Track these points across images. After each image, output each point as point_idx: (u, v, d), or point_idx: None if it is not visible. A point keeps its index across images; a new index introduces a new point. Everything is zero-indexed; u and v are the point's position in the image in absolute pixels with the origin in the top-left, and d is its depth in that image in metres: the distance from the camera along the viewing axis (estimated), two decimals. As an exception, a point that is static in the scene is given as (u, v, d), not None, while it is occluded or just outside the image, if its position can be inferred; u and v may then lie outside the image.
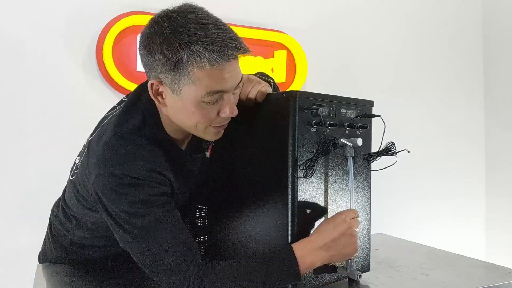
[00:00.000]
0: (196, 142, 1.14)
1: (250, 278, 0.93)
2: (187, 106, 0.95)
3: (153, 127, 1.03)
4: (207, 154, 1.17)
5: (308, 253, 0.95)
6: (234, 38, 0.94)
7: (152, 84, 0.97)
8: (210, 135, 1.03)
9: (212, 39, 0.90)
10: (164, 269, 0.93)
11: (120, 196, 0.94)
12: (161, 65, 0.93)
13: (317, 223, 1.01)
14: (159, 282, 0.96)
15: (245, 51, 0.95)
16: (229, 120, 1.02)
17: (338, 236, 0.96)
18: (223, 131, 1.04)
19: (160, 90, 0.97)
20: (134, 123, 1.02)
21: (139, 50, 0.99)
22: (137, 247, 0.95)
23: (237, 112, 0.99)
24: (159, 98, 0.99)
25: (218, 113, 0.98)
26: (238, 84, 1.00)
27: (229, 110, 0.97)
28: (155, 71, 0.95)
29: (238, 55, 0.95)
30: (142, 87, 1.08)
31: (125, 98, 1.18)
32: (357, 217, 1.02)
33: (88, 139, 1.10)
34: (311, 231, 1.00)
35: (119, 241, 0.99)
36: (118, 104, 1.17)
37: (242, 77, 1.00)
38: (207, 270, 0.93)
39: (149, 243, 0.93)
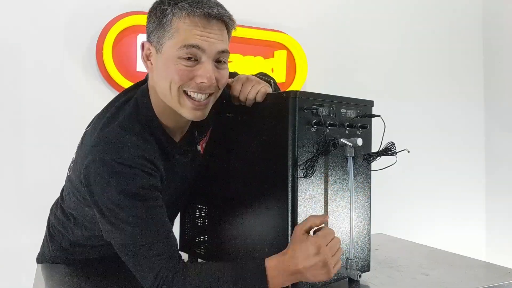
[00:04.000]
0: (190, 136, 1.15)
1: None
2: (166, 64, 0.99)
3: (145, 112, 1.05)
4: (199, 147, 1.16)
5: (280, 274, 0.94)
6: (219, 5, 1.01)
7: (142, 45, 1.04)
8: (187, 109, 1.01)
9: (198, 0, 0.98)
10: (141, 263, 0.95)
11: (108, 184, 0.95)
12: (152, 25, 1.01)
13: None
14: (135, 274, 0.98)
15: (222, 14, 0.99)
16: (206, 91, 1.01)
17: (309, 267, 0.93)
18: (203, 111, 1.03)
19: (149, 53, 1.03)
20: (129, 110, 1.05)
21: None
22: (118, 239, 0.97)
23: (213, 80, 0.99)
24: (148, 63, 1.04)
25: (193, 78, 0.99)
26: (222, 55, 1.01)
27: (204, 75, 0.98)
28: (149, 33, 1.03)
29: (222, 24, 1.00)
30: (137, 84, 1.14)
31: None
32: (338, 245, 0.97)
33: (84, 131, 1.12)
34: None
35: (102, 232, 1.00)
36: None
37: (226, 50, 1.02)
38: (179, 273, 0.94)
39: (130, 236, 0.95)
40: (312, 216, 0.98)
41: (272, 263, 0.94)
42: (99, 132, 1.02)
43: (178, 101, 1.01)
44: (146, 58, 1.04)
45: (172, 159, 1.09)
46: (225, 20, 1.00)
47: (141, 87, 1.11)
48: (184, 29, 0.96)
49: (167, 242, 0.97)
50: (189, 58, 0.98)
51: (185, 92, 1.01)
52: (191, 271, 0.95)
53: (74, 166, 1.09)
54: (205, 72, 0.98)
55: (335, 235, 0.97)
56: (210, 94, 1.03)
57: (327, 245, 0.94)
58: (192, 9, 0.96)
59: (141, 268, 0.96)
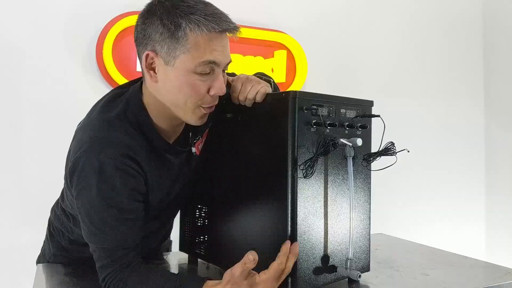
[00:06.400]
0: (184, 137, 1.15)
1: None
2: (180, 78, 0.98)
3: (135, 111, 1.06)
4: (194, 149, 1.17)
5: None
6: (226, 15, 1.01)
7: (147, 56, 1.00)
8: (197, 117, 1.04)
9: (209, 12, 0.97)
10: (98, 260, 1.03)
11: (89, 183, 0.97)
12: (159, 34, 0.97)
13: (316, 224, 1.02)
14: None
15: (236, 28, 1.01)
16: (216, 102, 1.05)
17: None
18: (207, 116, 1.07)
19: (154, 63, 1.00)
20: (118, 108, 1.05)
21: (136, 27, 1.02)
22: (85, 235, 1.03)
23: (225, 90, 1.03)
24: (151, 72, 1.02)
25: (208, 91, 1.01)
26: (227, 66, 1.04)
27: (219, 87, 1.00)
28: (152, 41, 0.99)
29: (229, 35, 1.01)
30: (131, 82, 1.15)
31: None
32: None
33: (76, 128, 1.12)
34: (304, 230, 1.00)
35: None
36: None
37: (230, 60, 1.04)
38: (122, 281, 1.00)
39: (95, 237, 1.01)
40: (244, 258, 0.93)
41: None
42: (87, 128, 1.03)
43: (192, 113, 1.03)
44: (149, 68, 1.02)
45: (164, 159, 1.09)
46: (234, 34, 1.01)
47: (133, 86, 1.10)
48: (202, 44, 0.96)
49: (126, 252, 1.02)
50: (206, 73, 0.99)
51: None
52: (132, 281, 1.00)
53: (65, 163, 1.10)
54: (220, 84, 1.01)
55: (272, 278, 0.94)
56: None
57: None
58: (210, 25, 0.96)
59: (98, 264, 1.03)
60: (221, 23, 0.97)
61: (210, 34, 0.96)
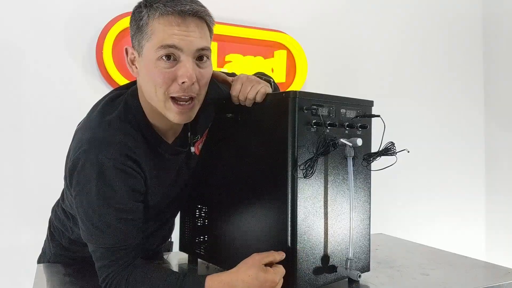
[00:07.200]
0: (183, 137, 1.15)
1: None
2: (147, 67, 0.99)
3: (134, 112, 1.06)
4: (193, 149, 1.16)
5: None
6: (194, 1, 0.98)
7: (126, 50, 1.04)
8: (174, 113, 1.01)
9: None
10: (99, 260, 1.02)
11: (89, 183, 0.97)
12: (132, 29, 1.02)
13: (316, 224, 1.02)
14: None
15: (203, 12, 0.98)
16: (190, 93, 1.00)
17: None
18: (189, 114, 1.03)
19: (133, 57, 1.03)
20: (118, 109, 1.05)
21: None
22: (85, 236, 1.03)
23: (194, 79, 0.98)
24: (133, 67, 1.04)
25: (176, 79, 0.98)
26: (202, 52, 1.00)
27: (184, 74, 0.97)
28: (131, 38, 1.03)
29: (200, 20, 0.98)
30: (131, 83, 1.15)
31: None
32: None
33: (76, 128, 1.12)
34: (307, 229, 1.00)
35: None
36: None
37: (206, 47, 1.00)
38: (124, 279, 0.99)
39: (96, 238, 1.01)
40: (273, 251, 0.98)
41: (212, 282, 0.96)
42: (87, 128, 1.03)
43: (164, 105, 1.01)
44: (131, 63, 1.04)
45: (163, 159, 1.09)
46: (201, 16, 0.98)
47: (131, 87, 1.11)
48: (160, 29, 0.96)
49: (127, 252, 1.02)
50: (168, 58, 0.96)
51: (171, 96, 1.00)
52: (134, 279, 1.00)
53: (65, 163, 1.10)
54: (186, 71, 0.97)
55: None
56: (192, 98, 1.01)
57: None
58: (165, 9, 0.95)
59: (98, 264, 1.03)
60: (176, 6, 0.95)
61: (167, 18, 0.95)
